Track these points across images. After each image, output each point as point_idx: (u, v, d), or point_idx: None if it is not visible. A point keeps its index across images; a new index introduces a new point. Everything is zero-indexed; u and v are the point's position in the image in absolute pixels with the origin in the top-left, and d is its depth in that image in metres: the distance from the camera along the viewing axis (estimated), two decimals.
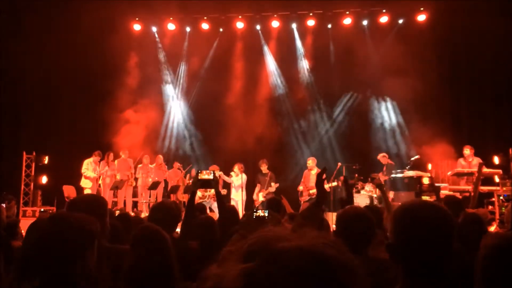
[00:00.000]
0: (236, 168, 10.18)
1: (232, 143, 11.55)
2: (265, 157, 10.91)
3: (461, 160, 9.38)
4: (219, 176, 9.82)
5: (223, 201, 4.22)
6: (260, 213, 2.50)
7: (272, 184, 9.82)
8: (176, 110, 13.47)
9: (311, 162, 9.98)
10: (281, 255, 0.68)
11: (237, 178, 10.08)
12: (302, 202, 9.67)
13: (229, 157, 11.04)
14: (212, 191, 9.43)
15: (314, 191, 9.54)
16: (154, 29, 13.36)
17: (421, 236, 1.46)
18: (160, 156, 11.63)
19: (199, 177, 3.96)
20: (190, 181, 10.75)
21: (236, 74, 12.84)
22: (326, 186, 9.59)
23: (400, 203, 1.76)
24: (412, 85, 10.97)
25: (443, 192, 8.40)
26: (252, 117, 12.53)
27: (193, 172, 11.24)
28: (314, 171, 9.80)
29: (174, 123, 13.42)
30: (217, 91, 12.39)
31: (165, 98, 13.73)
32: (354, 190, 10.78)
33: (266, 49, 13.45)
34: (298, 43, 13.27)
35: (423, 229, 1.47)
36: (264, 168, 10.00)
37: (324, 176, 2.52)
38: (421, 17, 12.19)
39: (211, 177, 3.98)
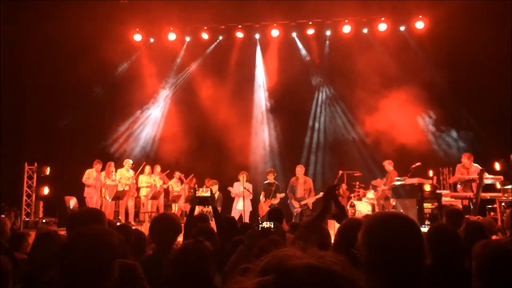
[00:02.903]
0: (241, 176, 9.83)
1: (227, 152, 11.63)
2: (261, 166, 10.94)
3: (459, 167, 9.38)
4: (229, 190, 9.88)
5: (220, 216, 4.31)
6: (265, 225, 2.53)
7: (277, 194, 9.74)
8: (173, 118, 13.52)
9: (300, 170, 9.90)
10: (293, 271, 0.75)
11: (240, 186, 9.90)
12: (294, 214, 9.59)
13: (226, 167, 11.10)
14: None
15: (305, 202, 9.53)
16: (152, 40, 13.51)
17: (391, 248, 1.49)
18: (158, 165, 11.68)
19: (196, 195, 4.20)
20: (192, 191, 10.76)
21: (234, 81, 12.93)
22: (312, 199, 9.59)
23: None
24: (413, 91, 11.04)
25: (445, 199, 8.40)
26: (249, 125, 12.60)
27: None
28: (302, 179, 9.77)
29: (171, 132, 13.47)
30: (214, 98, 12.48)
31: (164, 106, 13.85)
32: (355, 198, 10.82)
33: (261, 58, 13.59)
34: (299, 50, 13.39)
35: (393, 240, 1.50)
36: (270, 178, 9.85)
37: (336, 191, 2.55)
38: (420, 24, 12.29)
39: (208, 194, 4.19)
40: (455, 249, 2.58)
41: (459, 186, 9.16)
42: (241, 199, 9.76)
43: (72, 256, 1.74)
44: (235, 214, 9.58)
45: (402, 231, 1.53)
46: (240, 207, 9.73)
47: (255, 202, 10.13)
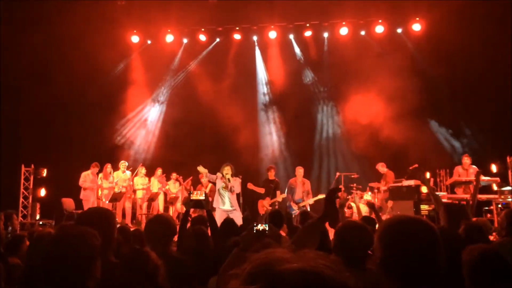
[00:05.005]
0: (225, 169, 8.14)
1: (227, 153, 11.62)
2: (259, 166, 10.89)
3: (458, 168, 9.41)
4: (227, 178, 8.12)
5: (214, 219, 4.30)
6: (260, 227, 2.52)
7: (278, 192, 9.42)
8: (171, 119, 13.50)
9: (300, 171, 9.71)
10: (283, 277, 0.72)
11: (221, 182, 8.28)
12: (293, 216, 9.17)
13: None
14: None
15: (304, 203, 9.38)
16: (149, 41, 13.50)
17: (407, 250, 1.51)
18: (159, 168, 11.65)
19: (191, 198, 4.20)
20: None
21: (232, 82, 12.92)
22: (311, 200, 9.38)
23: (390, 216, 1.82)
24: (410, 93, 11.06)
25: (443, 201, 8.40)
26: (248, 126, 12.59)
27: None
28: (301, 181, 9.62)
29: (167, 132, 13.45)
30: (212, 99, 12.48)
31: (161, 108, 13.86)
32: (352, 200, 10.79)
33: (261, 59, 13.61)
34: (296, 52, 13.41)
35: (409, 243, 1.52)
36: (271, 174, 9.59)
37: (337, 195, 2.54)
38: (416, 27, 12.33)
39: (202, 197, 4.18)
40: (458, 253, 2.55)
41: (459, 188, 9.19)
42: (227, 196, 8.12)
43: (53, 256, 1.74)
44: (220, 215, 7.62)
45: (419, 235, 1.54)
46: (227, 207, 8.02)
47: (253, 200, 9.94)
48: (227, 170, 8.01)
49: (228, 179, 7.87)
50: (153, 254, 2.13)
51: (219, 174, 8.06)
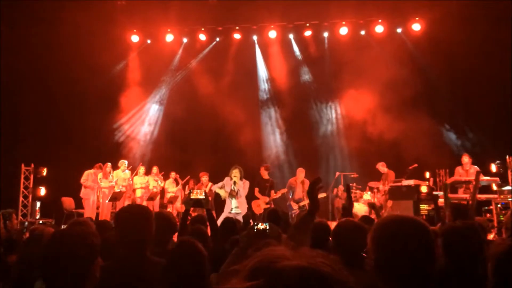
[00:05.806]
0: (234, 172, 8.06)
1: (223, 151, 11.62)
2: (260, 165, 10.86)
3: (459, 169, 9.42)
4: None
5: (214, 219, 4.28)
6: (261, 226, 2.52)
7: (272, 192, 9.32)
8: (171, 118, 13.51)
9: (300, 172, 9.68)
10: (283, 274, 0.74)
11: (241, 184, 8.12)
12: (293, 216, 9.22)
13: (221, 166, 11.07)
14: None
15: (304, 203, 9.33)
16: (149, 41, 13.50)
17: (400, 250, 1.50)
18: (155, 166, 11.64)
19: (191, 197, 4.19)
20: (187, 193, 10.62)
21: (232, 82, 12.92)
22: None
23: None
24: (410, 93, 11.08)
25: (441, 201, 8.40)
26: (247, 126, 12.60)
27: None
28: (301, 181, 9.56)
29: (167, 132, 13.45)
30: (212, 98, 12.48)
31: (160, 107, 13.87)
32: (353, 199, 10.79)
33: (261, 59, 13.62)
34: (296, 52, 13.42)
35: (402, 243, 1.51)
36: (265, 173, 9.51)
37: (318, 186, 2.54)
38: (416, 26, 12.34)
39: (202, 196, 4.18)
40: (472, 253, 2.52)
41: (460, 188, 9.19)
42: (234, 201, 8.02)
43: (53, 256, 1.75)
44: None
45: (411, 234, 1.53)
46: (233, 211, 7.80)
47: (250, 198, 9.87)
48: (236, 173, 7.91)
49: (235, 182, 7.83)
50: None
51: (227, 179, 8.01)
